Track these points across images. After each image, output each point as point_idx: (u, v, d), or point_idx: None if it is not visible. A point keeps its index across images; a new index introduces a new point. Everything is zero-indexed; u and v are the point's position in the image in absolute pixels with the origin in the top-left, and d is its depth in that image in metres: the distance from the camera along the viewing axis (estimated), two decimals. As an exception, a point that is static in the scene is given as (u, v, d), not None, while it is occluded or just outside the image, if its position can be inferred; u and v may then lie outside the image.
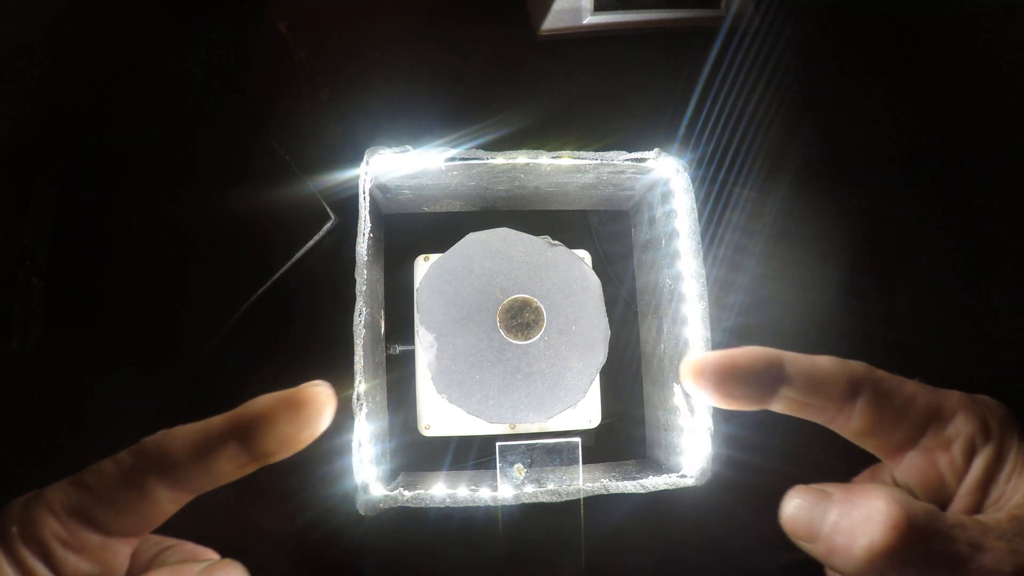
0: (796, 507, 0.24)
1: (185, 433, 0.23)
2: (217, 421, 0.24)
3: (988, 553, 0.21)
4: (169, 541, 0.27)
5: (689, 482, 0.41)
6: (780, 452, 0.51)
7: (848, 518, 0.22)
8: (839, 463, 0.52)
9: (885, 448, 0.25)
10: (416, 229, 0.54)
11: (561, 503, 0.40)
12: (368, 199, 0.41)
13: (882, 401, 0.24)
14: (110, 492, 0.22)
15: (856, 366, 0.24)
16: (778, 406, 0.25)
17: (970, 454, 0.23)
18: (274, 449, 0.24)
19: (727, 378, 0.24)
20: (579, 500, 0.40)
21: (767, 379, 0.24)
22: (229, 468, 0.23)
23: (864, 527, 0.21)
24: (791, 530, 0.24)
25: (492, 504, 0.39)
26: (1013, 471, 0.23)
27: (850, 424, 0.25)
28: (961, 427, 0.24)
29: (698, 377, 0.24)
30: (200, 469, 0.23)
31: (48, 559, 0.22)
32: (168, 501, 0.23)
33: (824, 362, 0.24)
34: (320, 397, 0.24)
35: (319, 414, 0.24)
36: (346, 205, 0.52)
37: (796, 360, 0.24)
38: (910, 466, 0.24)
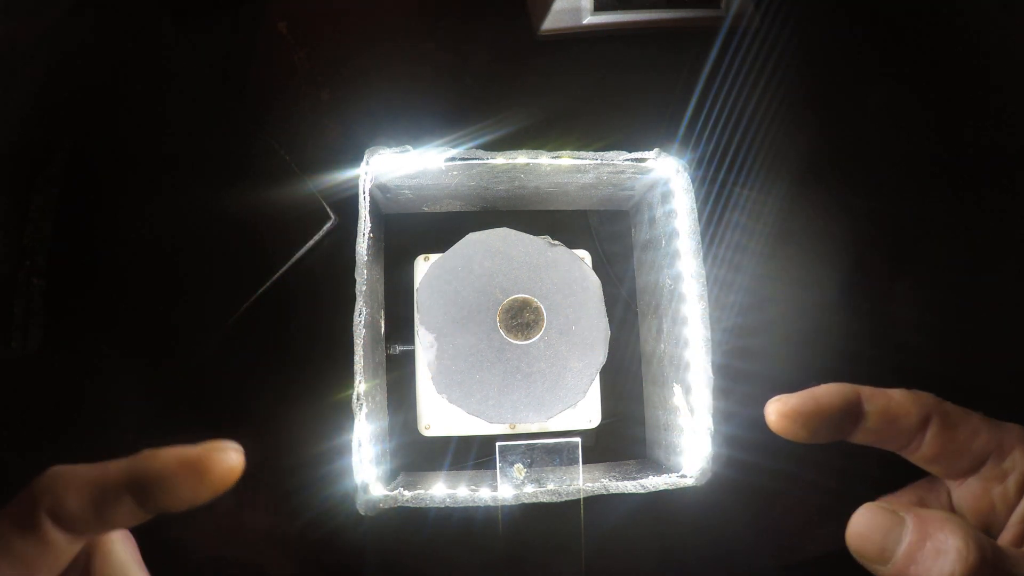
0: (867, 528, 0.25)
1: (80, 481, 0.23)
2: (113, 471, 0.23)
3: None
4: None
5: (689, 482, 0.41)
6: (780, 452, 0.51)
7: (923, 550, 0.23)
8: (838, 462, 0.52)
9: (948, 473, 0.27)
10: (416, 229, 0.54)
11: (561, 503, 0.40)
12: (368, 199, 0.41)
13: (949, 432, 0.26)
14: (9, 545, 0.22)
15: (927, 398, 0.26)
16: (856, 438, 0.27)
17: (1023, 487, 0.25)
18: (171, 506, 0.23)
19: (812, 418, 0.26)
20: (579, 500, 0.40)
21: (848, 416, 0.26)
22: (124, 519, 0.23)
23: (939, 561, 0.22)
24: (859, 549, 0.25)
25: (492, 504, 0.39)
26: None
27: (919, 452, 0.26)
28: (1018, 461, 0.25)
29: (784, 419, 0.26)
30: (94, 517, 0.22)
31: None
32: (66, 543, 0.23)
33: (898, 396, 0.26)
34: (227, 463, 0.23)
35: (222, 481, 0.23)
36: (346, 205, 0.52)
37: (873, 395, 0.26)
38: (968, 492, 0.26)
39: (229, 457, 0.23)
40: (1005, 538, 0.25)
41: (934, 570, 0.22)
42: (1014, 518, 0.25)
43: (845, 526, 0.27)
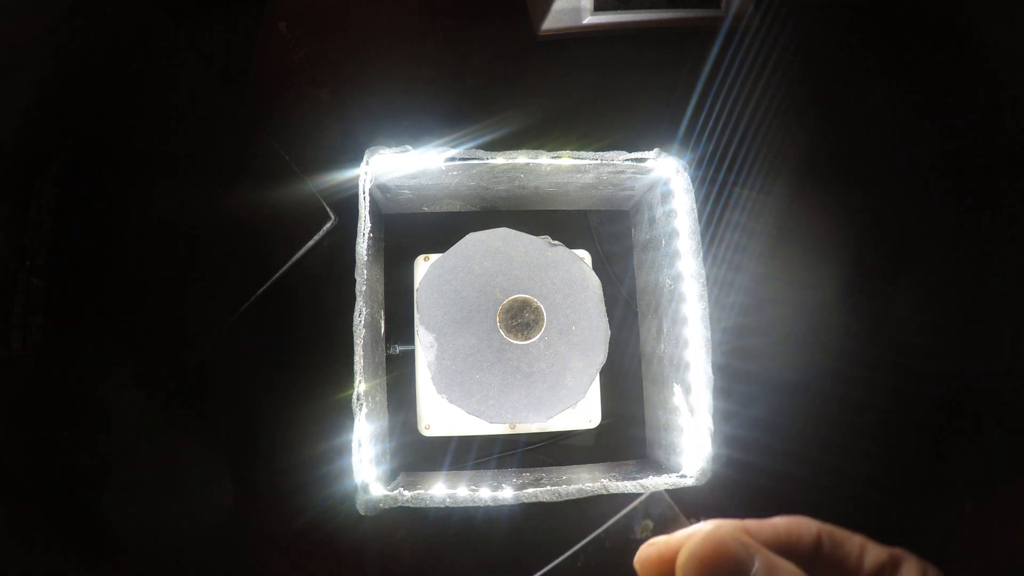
0: (717, 553, 0.22)
1: None
2: None
3: None
4: None
5: (689, 482, 0.41)
6: (780, 452, 0.51)
7: None
8: (837, 462, 0.52)
9: None
10: (416, 229, 0.54)
11: (561, 503, 0.40)
12: (368, 199, 0.41)
13: (841, 550, 0.24)
14: None
15: (810, 521, 0.24)
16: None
17: None
18: None
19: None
20: (580, 500, 0.40)
21: (743, 562, 0.23)
22: None
23: None
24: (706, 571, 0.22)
25: (492, 504, 0.39)
26: None
27: (817, 573, 0.24)
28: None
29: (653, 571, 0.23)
30: None
31: None
32: None
33: (784, 524, 0.24)
34: None
35: None
36: (346, 205, 0.52)
37: (759, 529, 0.24)
38: None
39: None
40: None
41: None
42: None
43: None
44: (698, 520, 0.25)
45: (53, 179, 0.50)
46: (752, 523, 0.24)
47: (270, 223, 0.52)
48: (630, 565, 0.24)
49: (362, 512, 0.38)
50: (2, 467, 0.46)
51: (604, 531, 0.44)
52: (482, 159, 0.43)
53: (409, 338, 0.49)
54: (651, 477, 0.40)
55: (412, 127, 0.55)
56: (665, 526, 0.45)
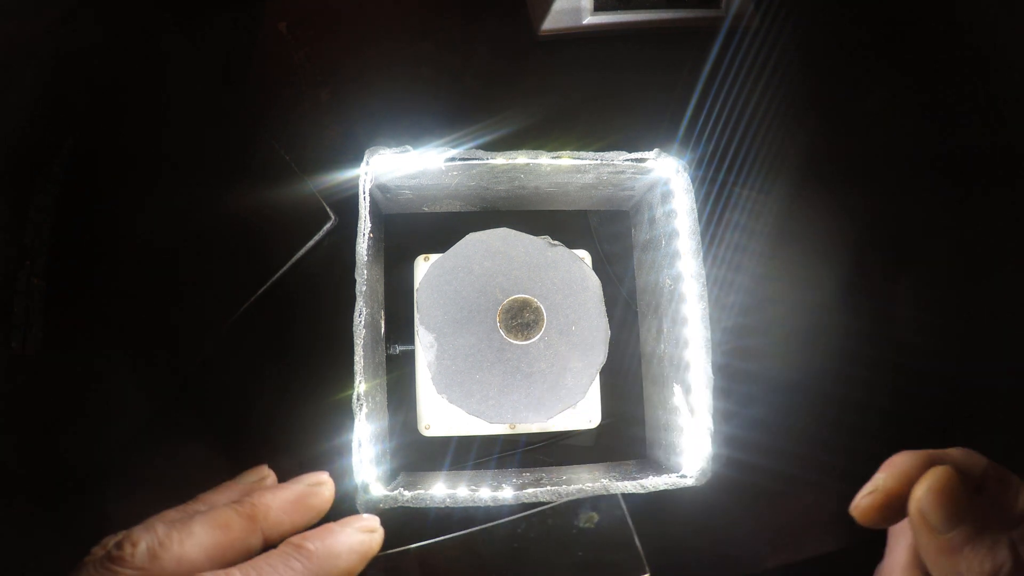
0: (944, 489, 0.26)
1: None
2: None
3: None
4: None
5: (689, 482, 0.41)
6: (780, 452, 0.51)
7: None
8: (838, 462, 0.52)
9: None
10: (416, 229, 0.54)
11: (561, 503, 0.40)
12: (368, 199, 0.41)
13: (1005, 488, 0.27)
14: None
15: (978, 456, 0.28)
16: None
17: None
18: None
19: (901, 500, 0.27)
20: (580, 500, 0.40)
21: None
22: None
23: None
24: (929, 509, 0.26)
25: (492, 504, 0.39)
26: None
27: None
28: None
29: (876, 514, 0.27)
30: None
31: None
32: None
33: (958, 453, 0.28)
34: (324, 496, 0.31)
35: (320, 513, 0.30)
36: (346, 205, 0.52)
37: (942, 456, 0.27)
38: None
39: (325, 491, 0.31)
40: None
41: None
42: None
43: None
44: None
45: (53, 179, 0.50)
46: (934, 453, 0.27)
47: (270, 223, 0.52)
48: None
49: (362, 512, 0.38)
50: (2, 467, 0.46)
51: (551, 508, 0.44)
52: (482, 159, 0.43)
53: (409, 338, 0.49)
54: (651, 477, 0.40)
55: (412, 127, 0.55)
56: (610, 523, 0.45)
